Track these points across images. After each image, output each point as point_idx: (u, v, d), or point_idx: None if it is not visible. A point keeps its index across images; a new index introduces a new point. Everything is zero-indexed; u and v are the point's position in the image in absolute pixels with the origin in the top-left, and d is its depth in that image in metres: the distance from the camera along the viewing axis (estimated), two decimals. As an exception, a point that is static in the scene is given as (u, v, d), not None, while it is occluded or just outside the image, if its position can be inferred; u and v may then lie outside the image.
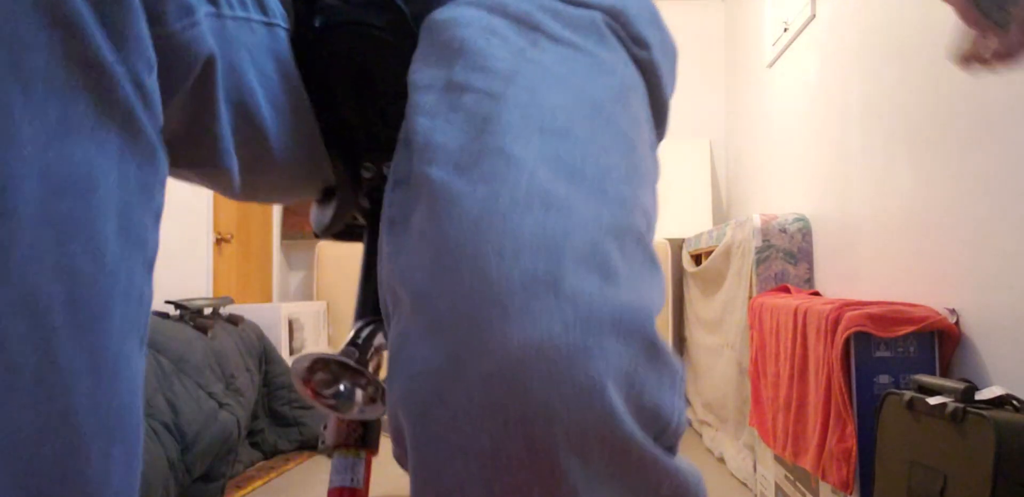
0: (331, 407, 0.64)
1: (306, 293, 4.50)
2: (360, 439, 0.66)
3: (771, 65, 3.28)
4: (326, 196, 0.72)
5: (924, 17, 1.86)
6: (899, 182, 1.99)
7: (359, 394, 0.64)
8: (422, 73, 0.57)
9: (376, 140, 0.65)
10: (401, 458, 0.50)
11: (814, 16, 2.67)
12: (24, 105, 0.41)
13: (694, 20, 4.40)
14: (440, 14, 0.60)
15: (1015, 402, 1.30)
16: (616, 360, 0.43)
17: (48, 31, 0.42)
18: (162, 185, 0.56)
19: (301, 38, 0.62)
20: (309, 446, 3.23)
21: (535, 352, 0.41)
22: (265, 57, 0.60)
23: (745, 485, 2.69)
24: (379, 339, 0.67)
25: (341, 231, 0.73)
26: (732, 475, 2.84)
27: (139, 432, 0.48)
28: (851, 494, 1.70)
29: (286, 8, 0.63)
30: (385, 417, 0.60)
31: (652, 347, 0.45)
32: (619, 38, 0.63)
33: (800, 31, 2.82)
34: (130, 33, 0.46)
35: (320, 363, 0.64)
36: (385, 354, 0.58)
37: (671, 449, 0.48)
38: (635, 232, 0.52)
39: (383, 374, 0.56)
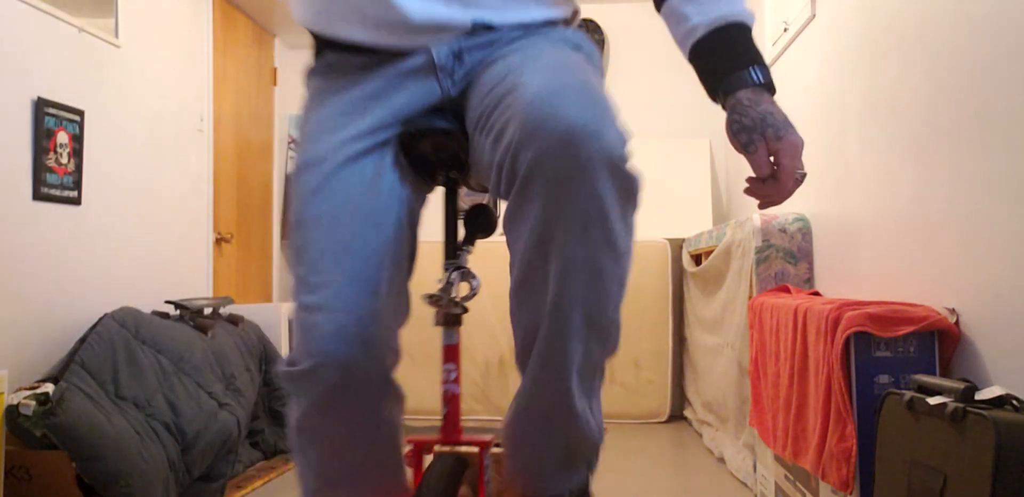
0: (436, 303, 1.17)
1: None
2: (455, 317, 1.25)
3: (771, 65, 3.28)
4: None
5: (924, 17, 1.86)
6: (899, 182, 1.99)
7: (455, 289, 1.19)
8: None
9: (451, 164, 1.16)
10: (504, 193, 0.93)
11: (814, 16, 2.67)
12: None
13: (694, 20, 4.40)
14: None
15: (1015, 402, 1.30)
16: (620, 136, 0.88)
17: None
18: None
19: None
20: (309, 446, 3.22)
21: (585, 117, 0.86)
22: None
23: (745, 485, 2.69)
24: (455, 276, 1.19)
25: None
26: (732, 475, 2.84)
27: None
28: (851, 494, 1.70)
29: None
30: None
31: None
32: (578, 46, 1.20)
33: (800, 31, 2.82)
34: None
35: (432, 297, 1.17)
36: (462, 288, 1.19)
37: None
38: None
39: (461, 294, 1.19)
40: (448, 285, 1.17)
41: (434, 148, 1.11)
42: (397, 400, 1.11)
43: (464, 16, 1.07)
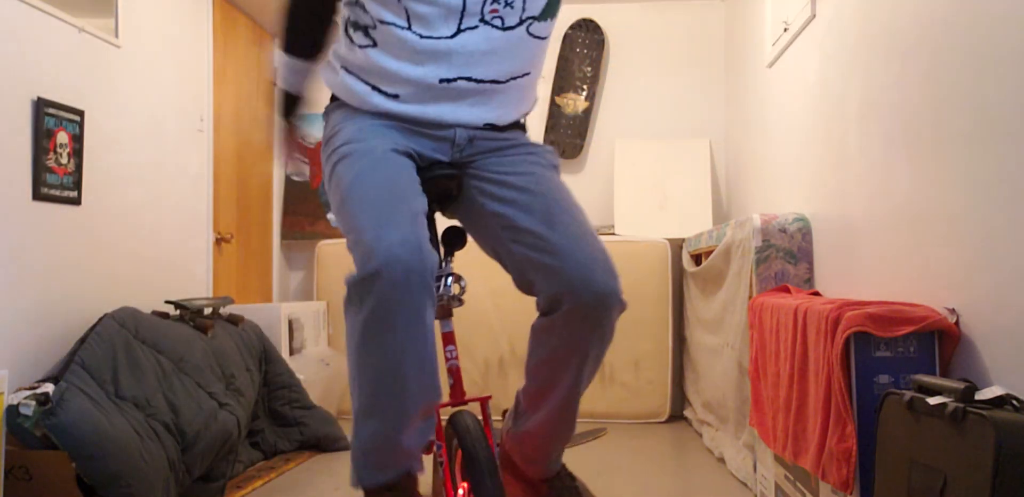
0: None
1: (306, 293, 4.50)
2: (450, 310, 1.67)
3: (771, 65, 3.28)
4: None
5: (924, 17, 1.86)
6: (899, 182, 1.99)
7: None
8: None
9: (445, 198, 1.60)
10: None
11: (814, 16, 2.67)
12: None
13: (694, 20, 4.41)
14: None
15: (1015, 402, 1.30)
16: (620, 290, 1.43)
17: None
18: None
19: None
20: (309, 446, 3.23)
21: (610, 284, 1.41)
22: None
23: (745, 485, 2.69)
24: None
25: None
26: (732, 475, 2.84)
27: None
28: (851, 494, 1.70)
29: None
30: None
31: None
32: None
33: (800, 31, 2.82)
34: None
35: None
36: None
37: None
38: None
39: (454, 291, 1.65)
40: (446, 286, 1.58)
41: (439, 181, 1.54)
42: (434, 305, 1.37)
43: (478, 119, 1.55)
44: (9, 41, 2.34)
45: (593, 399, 3.94)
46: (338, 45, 1.64)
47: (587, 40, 4.41)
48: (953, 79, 1.72)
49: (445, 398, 1.55)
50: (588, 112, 4.41)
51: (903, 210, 1.96)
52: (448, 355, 1.56)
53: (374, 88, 1.54)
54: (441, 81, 1.48)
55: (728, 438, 2.97)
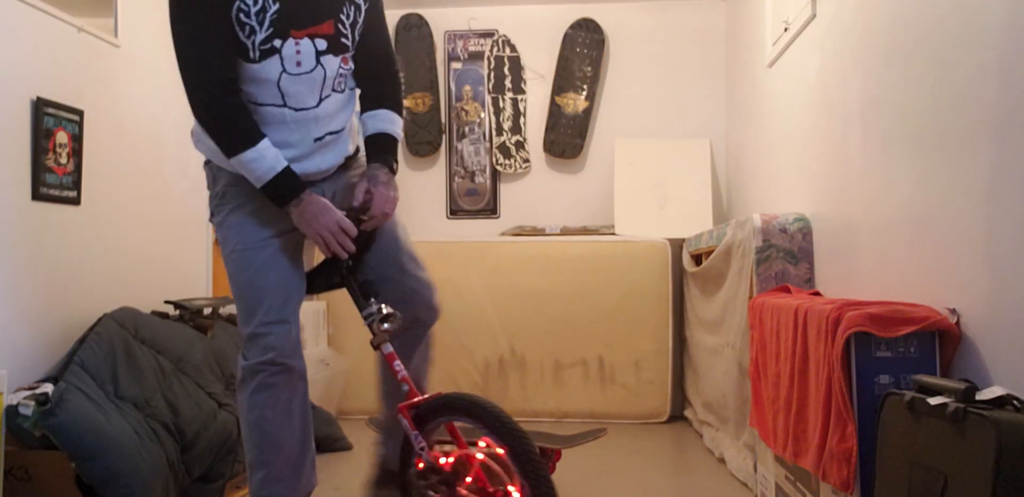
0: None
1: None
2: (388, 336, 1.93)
3: (771, 65, 3.27)
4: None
5: (924, 16, 1.86)
6: (899, 182, 1.99)
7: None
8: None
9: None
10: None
11: (814, 16, 2.67)
12: None
13: (694, 20, 4.40)
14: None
15: (1016, 402, 1.30)
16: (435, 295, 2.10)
17: None
18: None
19: None
20: (309, 446, 3.22)
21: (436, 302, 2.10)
22: None
23: (745, 485, 2.69)
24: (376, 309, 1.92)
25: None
26: (732, 475, 2.84)
27: None
28: (851, 494, 1.70)
29: None
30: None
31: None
32: None
33: (800, 31, 2.82)
34: None
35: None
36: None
37: None
38: None
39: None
40: (379, 323, 1.89)
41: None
42: (306, 383, 1.95)
43: (340, 158, 2.00)
44: (8, 41, 2.34)
45: (593, 399, 3.94)
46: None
47: (587, 40, 4.41)
48: (954, 79, 1.71)
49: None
50: (588, 112, 4.41)
51: (904, 210, 1.96)
52: (398, 367, 1.90)
53: None
54: (315, 140, 1.88)
55: (728, 438, 2.97)
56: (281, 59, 1.77)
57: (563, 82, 4.41)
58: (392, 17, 4.56)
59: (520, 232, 4.23)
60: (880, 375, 1.69)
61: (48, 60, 2.51)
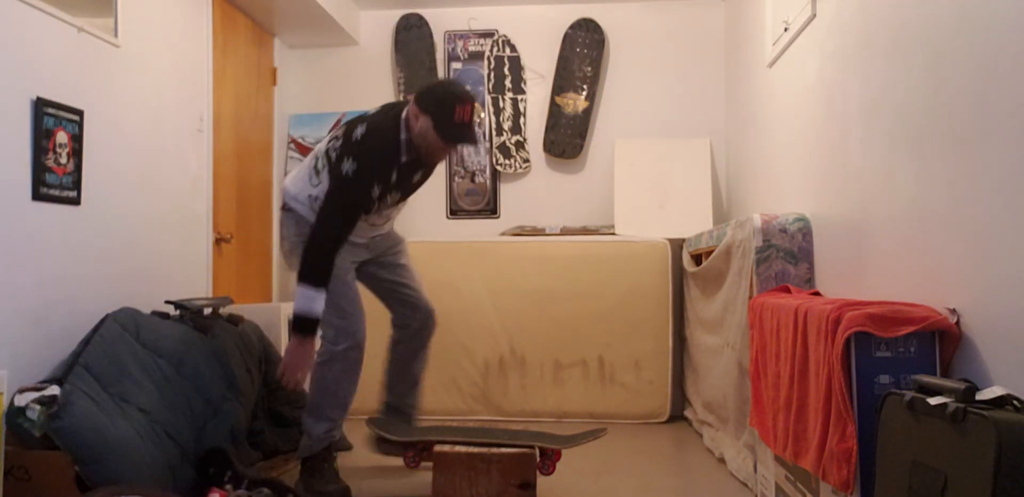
0: None
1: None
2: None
3: (771, 65, 3.28)
4: None
5: (925, 16, 1.86)
6: (899, 182, 1.99)
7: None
8: None
9: None
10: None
11: (814, 16, 2.67)
12: None
13: (694, 20, 4.40)
14: None
15: (1016, 402, 1.30)
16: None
17: None
18: None
19: None
20: (309, 446, 3.22)
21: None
22: None
23: (745, 485, 2.69)
24: None
25: None
26: (732, 475, 2.84)
27: None
28: (851, 494, 1.70)
29: None
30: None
31: None
32: None
33: (800, 31, 2.82)
34: None
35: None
36: None
37: None
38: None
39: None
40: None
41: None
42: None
43: (378, 232, 2.81)
44: (8, 41, 2.34)
45: (593, 399, 3.94)
46: (308, 198, 2.62)
47: (587, 40, 4.41)
48: (954, 78, 1.71)
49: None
50: (588, 112, 4.41)
51: (904, 210, 1.96)
52: None
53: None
54: (373, 237, 2.78)
55: (728, 438, 2.97)
56: (378, 206, 2.63)
57: (563, 82, 4.41)
58: (392, 17, 4.56)
59: (520, 232, 4.23)
60: (880, 375, 1.69)
61: (48, 60, 2.51)
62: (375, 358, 3.28)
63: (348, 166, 2.43)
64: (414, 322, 2.89)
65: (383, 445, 2.89)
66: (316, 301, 2.42)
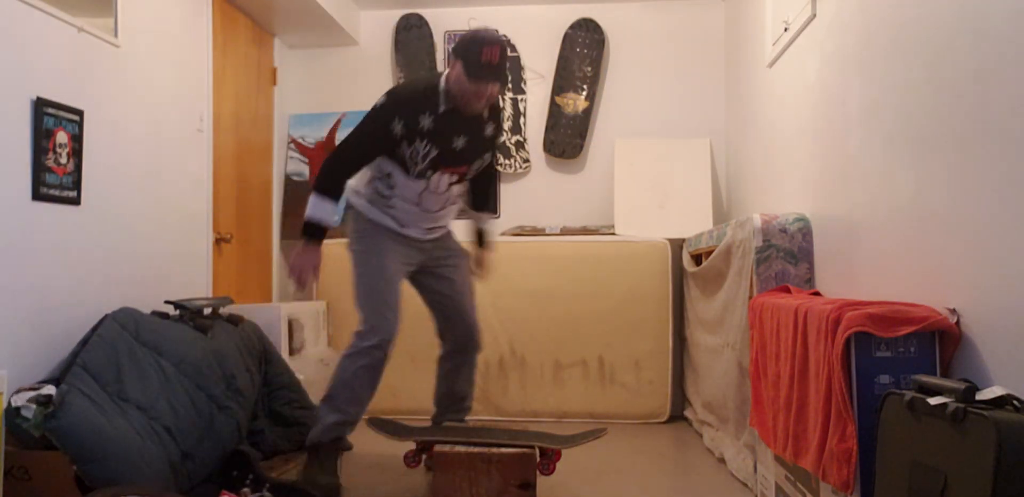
0: None
1: (306, 293, 4.50)
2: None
3: (771, 65, 3.28)
4: None
5: (925, 16, 1.86)
6: (900, 182, 1.99)
7: None
8: None
9: None
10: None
11: (814, 16, 2.67)
12: None
13: (694, 20, 4.40)
14: None
15: (1016, 402, 1.30)
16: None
17: None
18: None
19: None
20: (309, 446, 3.22)
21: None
22: None
23: (745, 485, 2.69)
24: None
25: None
26: (732, 475, 2.84)
27: None
28: (851, 494, 1.70)
29: None
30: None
31: None
32: None
33: (800, 31, 2.82)
34: None
35: None
36: None
37: None
38: None
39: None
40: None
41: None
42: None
43: (432, 235, 2.85)
44: (8, 40, 2.34)
45: (593, 399, 3.94)
46: (366, 187, 2.76)
47: (587, 40, 4.41)
48: (955, 78, 1.71)
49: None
50: (588, 112, 4.41)
51: (904, 210, 1.96)
52: None
53: (389, 226, 2.74)
54: (427, 230, 2.79)
55: (728, 438, 2.97)
56: (427, 182, 2.68)
57: (563, 82, 4.41)
58: (392, 17, 4.56)
59: (520, 232, 4.23)
60: (880, 375, 1.69)
61: (48, 60, 2.51)
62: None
63: (379, 101, 2.60)
64: (453, 339, 2.91)
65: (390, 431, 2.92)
66: (324, 210, 2.58)
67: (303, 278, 2.59)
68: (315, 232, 2.59)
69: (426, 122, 2.58)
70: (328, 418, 2.64)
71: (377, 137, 2.59)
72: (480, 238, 2.99)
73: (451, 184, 2.73)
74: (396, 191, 2.69)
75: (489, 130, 2.77)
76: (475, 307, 2.94)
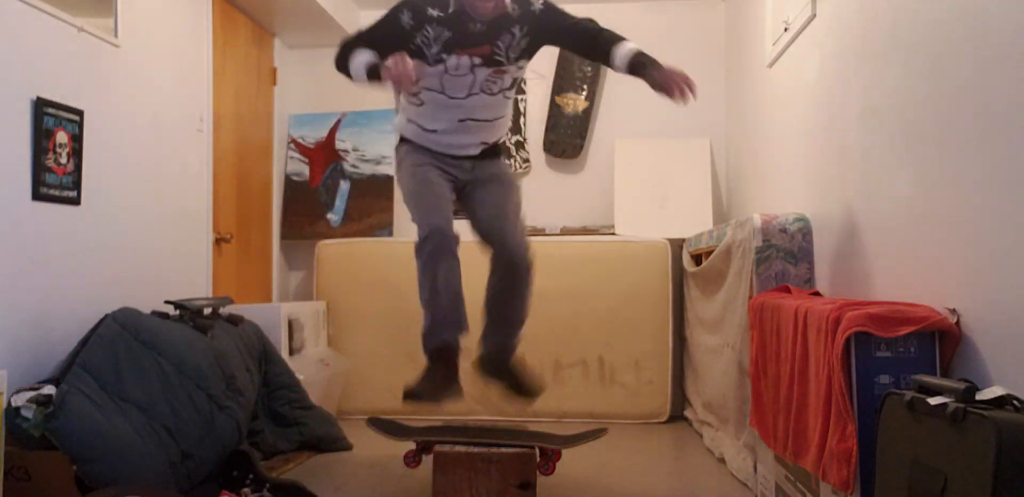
0: None
1: (306, 293, 4.50)
2: None
3: (771, 65, 3.28)
4: None
5: (924, 16, 1.86)
6: (900, 182, 1.99)
7: None
8: None
9: None
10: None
11: (814, 16, 2.67)
12: None
13: (694, 20, 4.40)
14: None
15: (1016, 402, 1.30)
16: (529, 253, 2.65)
17: None
18: None
19: None
20: (309, 446, 3.22)
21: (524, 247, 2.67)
22: None
23: (745, 485, 2.69)
24: None
25: None
26: (732, 475, 2.84)
27: None
28: (851, 494, 1.70)
29: None
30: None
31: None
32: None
33: (800, 31, 2.82)
34: None
35: None
36: None
37: None
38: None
39: None
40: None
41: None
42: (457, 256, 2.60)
43: (479, 140, 2.73)
44: (8, 41, 2.34)
45: (593, 399, 3.94)
46: (402, 111, 2.77)
47: (587, 40, 4.41)
48: (955, 78, 1.71)
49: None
50: (588, 112, 4.41)
51: (904, 210, 1.96)
52: None
53: (421, 127, 2.70)
54: (460, 121, 2.66)
55: (728, 438, 2.97)
56: (445, 66, 2.61)
57: (563, 82, 4.41)
58: (392, 17, 4.56)
59: (520, 232, 4.23)
60: (880, 375, 1.69)
61: (48, 60, 2.51)
62: (371, 366, 3.27)
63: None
64: (495, 262, 2.72)
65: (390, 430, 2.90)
66: (358, 67, 2.53)
67: (407, 82, 2.40)
68: (372, 72, 2.50)
69: (435, 13, 2.58)
70: (424, 322, 2.63)
71: (386, 29, 2.59)
72: (637, 68, 2.68)
73: (474, 67, 2.59)
74: (421, 84, 2.61)
75: (516, 13, 2.64)
76: (521, 231, 2.75)
